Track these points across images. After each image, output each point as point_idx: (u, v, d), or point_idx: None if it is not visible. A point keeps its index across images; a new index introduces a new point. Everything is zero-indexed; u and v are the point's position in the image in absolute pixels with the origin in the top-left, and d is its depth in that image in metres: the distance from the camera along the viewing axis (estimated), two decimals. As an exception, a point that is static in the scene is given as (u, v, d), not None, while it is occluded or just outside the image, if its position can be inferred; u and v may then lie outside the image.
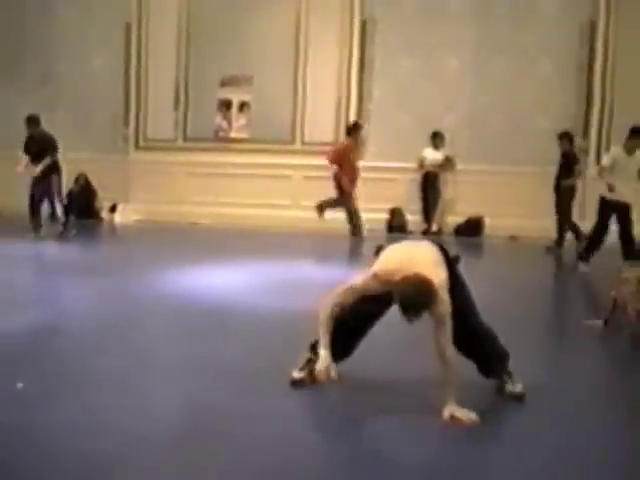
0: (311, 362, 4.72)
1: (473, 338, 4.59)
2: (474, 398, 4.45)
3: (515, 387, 4.63)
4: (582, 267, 9.66)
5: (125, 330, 6.21)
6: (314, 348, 4.73)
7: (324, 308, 4.55)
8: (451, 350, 4.26)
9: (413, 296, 4.08)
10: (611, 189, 9.59)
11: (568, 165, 11.96)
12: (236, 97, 14.57)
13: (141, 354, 5.48)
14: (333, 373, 4.43)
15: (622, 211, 9.72)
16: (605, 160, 10.03)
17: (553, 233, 12.02)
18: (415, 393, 4.70)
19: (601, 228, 9.71)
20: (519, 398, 4.59)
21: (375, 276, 4.41)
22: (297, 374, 4.77)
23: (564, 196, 11.95)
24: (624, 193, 9.65)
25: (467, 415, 4.17)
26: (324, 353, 4.47)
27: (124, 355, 5.40)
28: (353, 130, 13.04)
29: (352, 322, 4.66)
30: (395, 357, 5.50)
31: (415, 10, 13.85)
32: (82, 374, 4.95)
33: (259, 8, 14.24)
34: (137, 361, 5.29)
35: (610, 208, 9.67)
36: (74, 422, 4.07)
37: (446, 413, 4.18)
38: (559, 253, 11.70)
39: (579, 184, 12.08)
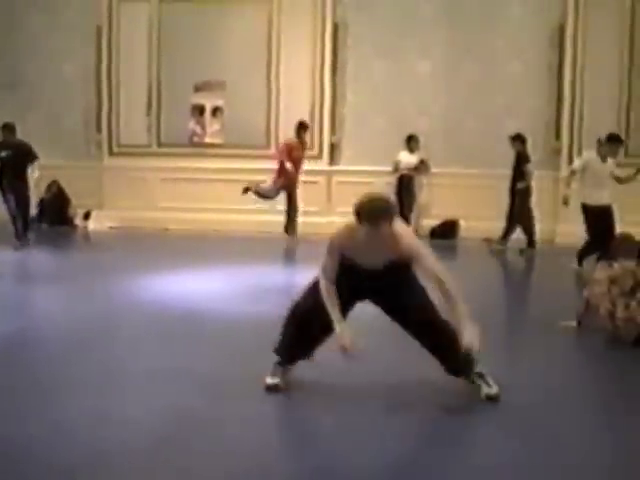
0: (281, 366, 4.78)
1: (437, 330, 4.60)
2: (445, 400, 4.45)
3: (491, 389, 4.62)
4: (574, 266, 9.67)
5: (98, 337, 6.17)
6: (278, 352, 4.81)
7: (322, 289, 4.59)
8: (444, 272, 4.44)
9: (375, 204, 4.45)
10: (566, 201, 9.85)
11: (520, 167, 12.07)
12: (209, 102, 14.52)
13: (114, 361, 5.45)
14: (359, 344, 4.48)
15: (605, 214, 9.63)
16: (576, 163, 10.05)
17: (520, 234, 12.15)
18: (386, 396, 4.71)
19: (600, 233, 9.43)
20: (494, 399, 4.60)
21: (340, 233, 4.66)
22: (271, 380, 4.75)
23: (519, 198, 12.04)
24: (598, 197, 9.64)
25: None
26: (340, 327, 4.52)
27: (97, 363, 5.37)
28: (299, 129, 12.97)
29: (315, 325, 4.67)
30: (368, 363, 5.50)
31: (386, 14, 13.90)
32: (54, 383, 4.91)
33: (231, 13, 14.21)
34: (110, 369, 5.26)
35: (593, 214, 9.61)
36: (46, 433, 4.04)
37: (469, 339, 4.30)
38: (532, 255, 11.77)
39: (533, 185, 12.13)
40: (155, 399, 4.64)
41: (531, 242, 12.00)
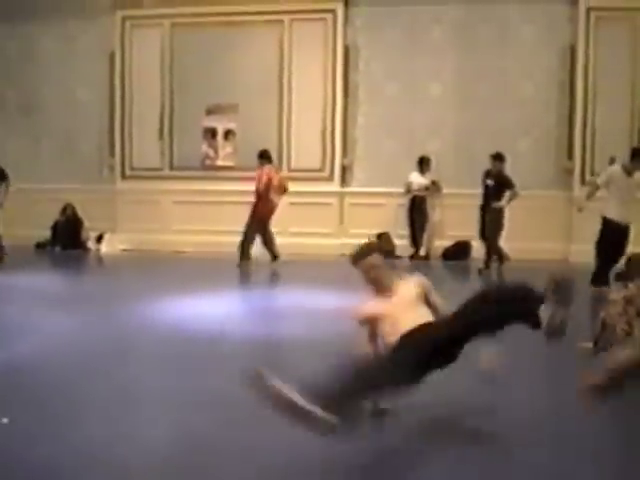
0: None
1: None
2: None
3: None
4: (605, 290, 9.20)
5: (110, 361, 6.16)
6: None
7: None
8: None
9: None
10: (580, 209, 9.70)
11: (499, 187, 12.06)
12: (221, 125, 14.60)
13: (126, 385, 5.45)
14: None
15: (622, 233, 9.51)
16: (602, 177, 9.80)
17: (540, 254, 12.08)
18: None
19: (608, 248, 9.40)
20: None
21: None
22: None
23: (494, 216, 12.02)
24: (623, 214, 9.50)
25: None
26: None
27: (109, 387, 5.36)
28: (263, 157, 12.45)
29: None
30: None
31: (397, 36, 13.97)
32: (67, 407, 4.90)
33: (243, 36, 14.31)
34: (122, 393, 5.26)
35: (612, 229, 9.45)
36: (59, 456, 4.03)
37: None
38: (488, 274, 11.74)
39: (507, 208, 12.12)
40: (168, 421, 4.63)
41: (499, 258, 11.98)
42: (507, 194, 11.97)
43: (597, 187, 9.73)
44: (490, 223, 12.11)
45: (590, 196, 9.84)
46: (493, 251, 12.01)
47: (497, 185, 12.11)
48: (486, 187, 12.35)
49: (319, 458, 4.19)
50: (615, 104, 13.18)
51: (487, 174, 12.38)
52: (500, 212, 12.03)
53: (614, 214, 9.47)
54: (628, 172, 9.59)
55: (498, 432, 4.50)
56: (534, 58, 13.59)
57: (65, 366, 5.97)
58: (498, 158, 12.22)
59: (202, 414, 4.78)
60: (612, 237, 9.45)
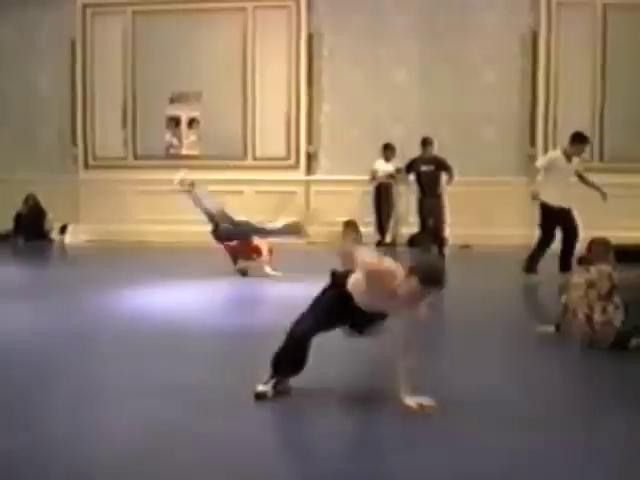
0: (275, 379, 4.78)
1: None
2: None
3: None
4: (532, 278, 9.42)
5: (77, 352, 6.12)
6: (276, 368, 4.80)
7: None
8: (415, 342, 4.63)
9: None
10: (534, 196, 9.47)
11: (437, 171, 12.35)
12: (185, 114, 14.51)
13: (94, 376, 5.41)
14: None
15: (566, 217, 9.45)
16: (540, 161, 9.73)
17: (504, 240, 12.19)
18: (375, 407, 4.71)
19: (548, 237, 9.50)
20: None
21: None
22: (262, 387, 4.75)
23: (439, 204, 12.35)
24: (563, 198, 9.41)
25: (427, 401, 4.50)
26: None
27: (76, 378, 5.33)
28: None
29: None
30: (352, 372, 5.50)
31: (361, 23, 13.97)
32: (32, 400, 4.85)
33: (206, 24, 14.21)
34: (90, 384, 5.22)
35: (553, 215, 9.41)
36: (25, 450, 3.99)
37: (410, 401, 4.50)
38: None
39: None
40: (137, 414, 4.60)
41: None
42: (445, 177, 12.20)
43: (539, 171, 9.59)
44: (440, 209, 12.20)
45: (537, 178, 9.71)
46: (444, 237, 12.11)
47: (436, 170, 12.24)
48: (420, 174, 12.41)
49: (293, 443, 4.21)
50: (577, 90, 13.31)
51: (420, 161, 12.43)
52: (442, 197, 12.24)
53: (555, 199, 9.36)
54: (568, 157, 9.57)
55: (467, 416, 4.55)
56: (496, 44, 13.67)
57: (29, 358, 5.91)
58: (430, 143, 12.36)
59: (168, 405, 4.76)
60: (556, 222, 9.44)
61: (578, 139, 9.67)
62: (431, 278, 4.45)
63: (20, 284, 9.85)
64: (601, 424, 4.49)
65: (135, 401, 4.86)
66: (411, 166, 12.56)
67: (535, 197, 9.54)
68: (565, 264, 9.22)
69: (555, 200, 9.33)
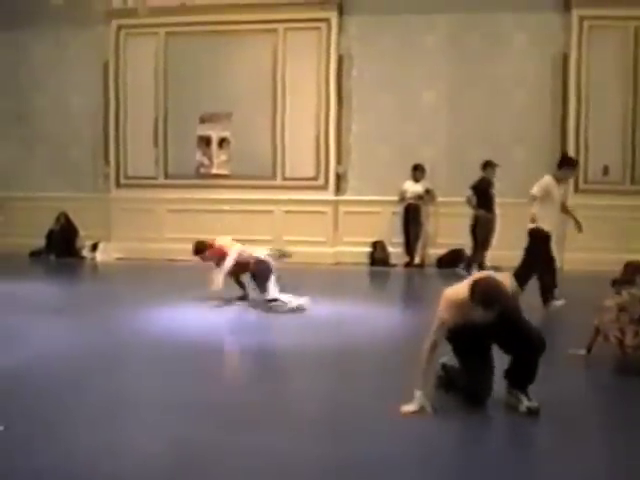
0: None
1: (525, 343, 5.02)
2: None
3: (532, 403, 4.96)
4: (554, 304, 9.19)
5: (105, 369, 6.17)
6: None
7: (425, 351, 4.97)
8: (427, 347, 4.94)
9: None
10: (533, 220, 9.18)
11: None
12: (215, 133, 14.62)
13: (122, 393, 5.45)
14: (429, 409, 4.91)
15: (546, 241, 9.28)
16: (536, 189, 9.28)
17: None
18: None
19: (549, 261, 9.29)
20: (535, 413, 4.90)
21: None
22: (408, 407, 4.99)
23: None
24: (552, 223, 9.30)
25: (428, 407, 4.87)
26: (419, 394, 4.92)
27: (104, 394, 5.37)
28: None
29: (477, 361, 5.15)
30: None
31: (390, 45, 14.02)
32: (64, 415, 4.90)
33: (237, 45, 14.34)
34: (118, 400, 5.26)
35: (545, 241, 9.22)
36: (57, 465, 4.03)
37: (411, 406, 4.86)
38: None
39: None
40: (162, 430, 4.63)
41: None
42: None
43: (535, 199, 9.23)
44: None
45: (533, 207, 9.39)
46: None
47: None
48: (492, 196, 12.39)
49: (315, 460, 4.21)
50: (607, 112, 13.24)
51: (490, 184, 12.42)
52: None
53: (549, 225, 9.21)
54: (558, 181, 9.33)
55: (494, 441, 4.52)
56: (527, 66, 13.65)
57: (61, 374, 5.97)
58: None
59: (195, 423, 4.79)
60: (546, 248, 9.25)
61: (567, 163, 9.50)
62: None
63: (51, 301, 9.93)
64: (631, 449, 4.44)
65: (160, 417, 4.89)
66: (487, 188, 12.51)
67: (534, 222, 9.24)
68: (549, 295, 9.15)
69: (548, 226, 9.19)
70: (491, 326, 4.85)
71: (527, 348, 5.04)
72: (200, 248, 9.65)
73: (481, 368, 5.13)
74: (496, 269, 12.55)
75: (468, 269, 11.88)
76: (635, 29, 13.25)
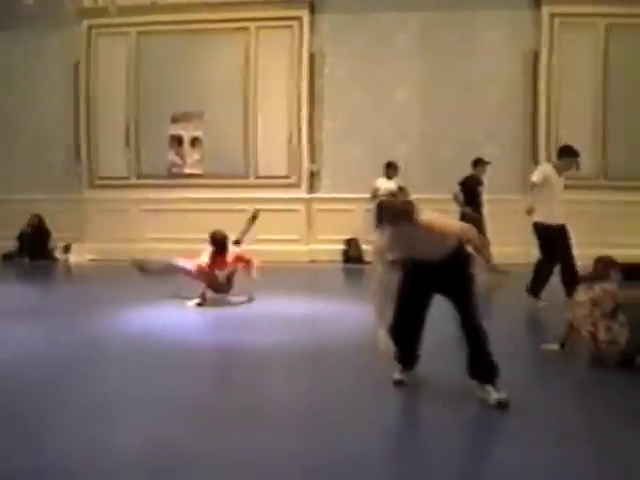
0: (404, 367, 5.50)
1: (476, 337, 5.14)
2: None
3: (501, 395, 5.03)
4: (539, 303, 9.04)
5: (81, 371, 6.14)
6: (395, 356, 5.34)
7: (372, 289, 5.16)
8: (468, 230, 5.31)
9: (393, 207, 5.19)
10: (530, 212, 8.98)
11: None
12: (187, 133, 14.57)
13: (98, 394, 5.42)
14: (387, 346, 5.09)
15: (561, 234, 8.99)
16: (536, 176, 9.09)
17: (512, 259, 12.21)
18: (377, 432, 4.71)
19: (550, 258, 9.03)
20: (504, 405, 4.96)
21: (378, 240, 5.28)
22: (398, 375, 5.51)
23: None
24: (558, 214, 9.04)
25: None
26: (381, 332, 5.07)
27: (81, 396, 5.34)
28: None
29: (407, 330, 5.38)
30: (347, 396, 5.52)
31: (362, 43, 14.06)
32: (38, 417, 4.87)
33: (208, 44, 14.30)
34: (95, 401, 5.24)
35: (550, 233, 8.96)
36: (33, 467, 4.00)
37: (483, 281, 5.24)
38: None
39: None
40: (142, 430, 4.62)
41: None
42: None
43: (535, 186, 9.02)
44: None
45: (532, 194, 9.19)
46: None
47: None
48: (479, 194, 12.26)
49: (292, 458, 4.22)
50: (578, 109, 13.37)
51: (479, 181, 12.27)
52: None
53: (549, 217, 8.98)
54: (559, 171, 9.15)
55: (473, 432, 4.56)
56: (498, 63, 13.74)
57: (36, 377, 5.92)
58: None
59: (172, 420, 4.78)
60: (553, 242, 8.98)
61: (568, 153, 9.19)
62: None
63: (24, 304, 9.85)
64: (606, 442, 4.50)
65: (140, 417, 4.87)
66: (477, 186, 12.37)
67: (530, 213, 9.07)
68: (572, 283, 8.49)
69: (549, 218, 8.97)
70: (434, 273, 5.15)
71: (470, 338, 5.17)
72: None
73: (407, 321, 5.37)
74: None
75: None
76: (605, 26, 13.39)
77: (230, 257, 9.57)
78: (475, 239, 5.29)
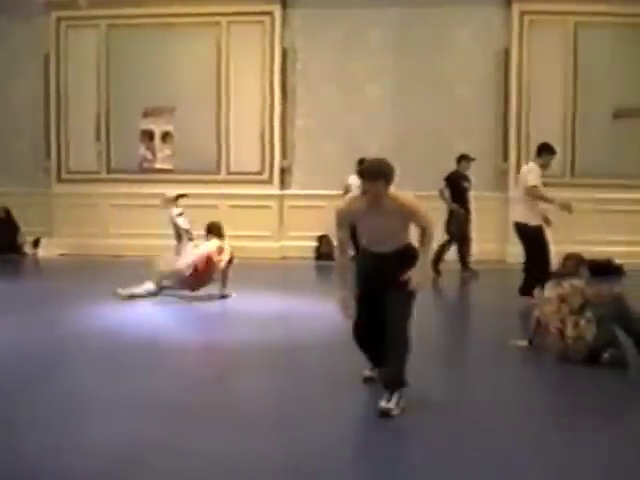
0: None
1: (397, 338, 4.95)
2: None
3: (389, 404, 4.81)
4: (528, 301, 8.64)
5: (50, 367, 6.08)
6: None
7: (335, 260, 5.48)
8: (431, 225, 5.18)
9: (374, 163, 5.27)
10: (569, 208, 8.94)
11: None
12: (158, 128, 14.48)
13: (68, 392, 5.38)
14: (350, 309, 5.15)
15: (541, 234, 8.99)
16: (535, 179, 8.96)
17: (478, 256, 12.29)
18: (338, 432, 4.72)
19: (546, 256, 8.88)
20: (385, 414, 4.77)
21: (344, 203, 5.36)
22: (368, 372, 5.51)
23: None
24: (538, 214, 9.01)
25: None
26: (343, 294, 5.16)
27: (52, 395, 5.29)
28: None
29: (366, 333, 5.22)
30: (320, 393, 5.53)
31: (335, 39, 14.05)
32: (10, 418, 4.81)
33: (180, 38, 14.21)
34: (65, 399, 5.20)
35: (531, 232, 8.93)
36: (4, 466, 3.97)
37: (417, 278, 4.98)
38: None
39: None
40: (112, 429, 4.59)
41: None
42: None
43: (535, 189, 8.92)
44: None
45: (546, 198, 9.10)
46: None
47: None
48: (465, 190, 12.17)
49: (264, 457, 4.21)
50: (548, 106, 13.48)
51: (464, 177, 12.19)
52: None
53: (530, 217, 8.96)
54: (543, 167, 9.18)
55: (443, 432, 4.58)
56: (470, 60, 13.82)
57: (6, 374, 5.86)
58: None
59: (149, 420, 4.75)
60: (538, 242, 8.95)
61: (547, 150, 9.25)
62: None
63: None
64: (575, 438, 4.54)
65: (109, 416, 4.85)
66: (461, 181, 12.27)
67: (569, 209, 9.08)
68: (528, 289, 8.66)
69: (531, 219, 8.95)
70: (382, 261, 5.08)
71: (392, 345, 4.98)
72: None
73: (364, 323, 5.22)
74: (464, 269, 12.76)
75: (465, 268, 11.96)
76: (574, 24, 13.51)
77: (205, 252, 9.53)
78: (431, 237, 5.17)
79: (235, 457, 4.20)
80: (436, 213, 12.66)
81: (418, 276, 5.00)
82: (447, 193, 12.06)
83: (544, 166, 9.24)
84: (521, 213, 9.10)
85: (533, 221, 8.97)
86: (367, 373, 5.53)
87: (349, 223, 5.17)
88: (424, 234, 5.13)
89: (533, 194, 8.94)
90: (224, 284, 9.56)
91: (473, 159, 12.29)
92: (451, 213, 12.09)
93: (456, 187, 12.10)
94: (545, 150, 9.30)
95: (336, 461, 4.15)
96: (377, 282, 5.14)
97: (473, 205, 12.19)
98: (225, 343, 7.14)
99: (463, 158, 12.27)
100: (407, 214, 5.08)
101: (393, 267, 5.03)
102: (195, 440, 4.40)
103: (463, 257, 12.05)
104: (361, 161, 13.55)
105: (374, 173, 5.03)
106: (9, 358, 6.39)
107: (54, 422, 4.70)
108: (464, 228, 12.06)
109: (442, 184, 12.11)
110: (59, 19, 14.56)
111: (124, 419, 4.76)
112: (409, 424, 4.74)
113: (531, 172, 9.08)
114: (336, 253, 5.39)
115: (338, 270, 5.35)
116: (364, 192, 5.09)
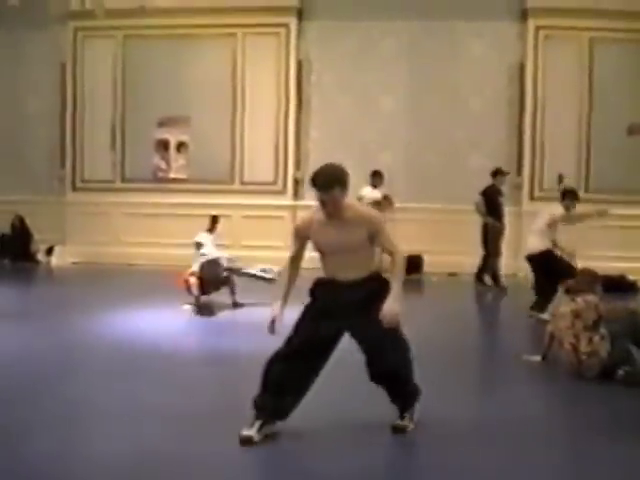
0: (261, 420, 4.54)
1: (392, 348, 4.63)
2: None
3: (409, 423, 4.71)
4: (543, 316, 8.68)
5: (62, 374, 6.11)
6: (256, 405, 4.60)
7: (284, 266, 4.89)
8: (397, 247, 4.67)
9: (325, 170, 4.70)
10: (604, 213, 9.36)
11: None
12: (173, 137, 14.53)
13: (78, 398, 5.40)
14: (278, 324, 4.69)
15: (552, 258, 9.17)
16: (561, 209, 9.27)
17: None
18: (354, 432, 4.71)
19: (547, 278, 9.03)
20: (401, 430, 4.66)
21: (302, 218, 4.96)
22: (247, 431, 4.49)
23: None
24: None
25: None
26: (278, 305, 4.76)
27: (60, 402, 5.30)
28: None
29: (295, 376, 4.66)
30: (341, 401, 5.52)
31: (350, 50, 14.08)
32: (17, 424, 4.82)
33: (196, 49, 14.28)
34: (74, 406, 5.21)
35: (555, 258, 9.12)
36: (10, 472, 3.97)
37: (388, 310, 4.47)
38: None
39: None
40: (120, 437, 4.60)
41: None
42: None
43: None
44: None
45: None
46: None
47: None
48: (500, 204, 12.25)
49: (272, 469, 4.21)
50: (563, 121, 13.46)
51: (499, 192, 12.26)
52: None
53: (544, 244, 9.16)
54: (567, 210, 9.30)
55: (456, 447, 4.56)
56: (484, 74, 13.81)
57: (13, 381, 5.88)
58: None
59: (152, 428, 4.75)
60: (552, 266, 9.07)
61: (570, 194, 9.41)
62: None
63: (6, 306, 9.78)
64: (591, 455, 4.51)
65: (118, 423, 4.85)
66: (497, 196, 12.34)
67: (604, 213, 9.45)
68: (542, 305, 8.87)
69: (541, 246, 9.16)
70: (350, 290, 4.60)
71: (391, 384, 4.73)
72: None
73: (297, 365, 4.66)
74: (453, 274, 12.72)
75: (481, 278, 12.03)
76: (589, 39, 13.50)
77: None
78: (402, 264, 4.68)
79: (239, 467, 4.19)
80: (421, 226, 12.75)
81: (390, 310, 4.49)
82: (483, 207, 12.02)
83: (567, 208, 9.25)
84: (532, 244, 9.23)
85: (541, 246, 9.08)
86: (246, 432, 4.49)
87: (306, 237, 4.75)
88: (393, 262, 4.64)
89: (568, 219, 9.15)
90: (233, 292, 9.60)
91: (508, 173, 12.29)
92: (485, 227, 12.06)
93: (492, 201, 12.10)
94: (569, 194, 9.37)
95: (345, 468, 4.14)
96: (334, 322, 4.62)
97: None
98: (234, 352, 7.13)
99: (499, 172, 12.26)
100: (369, 227, 4.59)
101: (360, 299, 4.57)
102: (200, 449, 4.39)
103: (495, 272, 12.01)
104: (374, 173, 13.58)
105: (328, 181, 4.52)
106: (18, 364, 6.40)
107: (57, 428, 4.71)
108: (497, 241, 12.07)
109: (478, 198, 12.08)
110: (76, 29, 14.66)
111: (128, 427, 4.76)
112: (423, 441, 4.72)
113: (553, 208, 9.22)
114: (287, 263, 4.89)
115: (284, 281, 4.89)
116: (321, 204, 4.57)
